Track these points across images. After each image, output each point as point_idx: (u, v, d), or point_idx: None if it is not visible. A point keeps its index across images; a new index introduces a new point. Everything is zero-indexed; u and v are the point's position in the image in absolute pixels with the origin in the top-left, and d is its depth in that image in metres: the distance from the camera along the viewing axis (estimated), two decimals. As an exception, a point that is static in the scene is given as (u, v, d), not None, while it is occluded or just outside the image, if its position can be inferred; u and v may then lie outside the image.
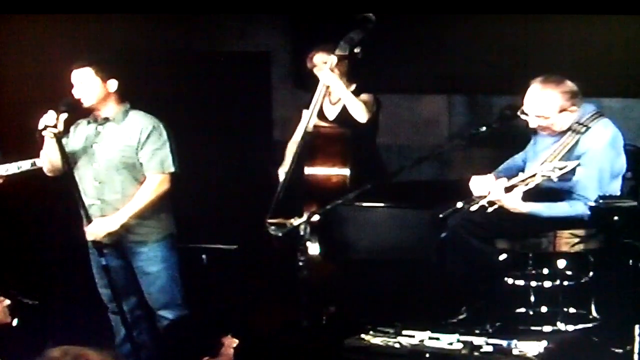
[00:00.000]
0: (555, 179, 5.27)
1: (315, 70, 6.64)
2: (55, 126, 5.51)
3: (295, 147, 6.57)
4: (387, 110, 6.78)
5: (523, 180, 5.36)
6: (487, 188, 5.47)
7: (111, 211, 5.67)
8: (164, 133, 5.70)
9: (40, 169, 5.80)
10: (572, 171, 5.33)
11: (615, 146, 5.56)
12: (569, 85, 5.55)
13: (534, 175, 5.33)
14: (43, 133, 5.54)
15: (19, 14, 6.94)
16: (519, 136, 5.84)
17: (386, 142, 6.86)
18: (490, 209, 5.38)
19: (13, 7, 6.74)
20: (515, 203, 5.35)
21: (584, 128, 5.51)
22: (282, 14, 8.25)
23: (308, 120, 6.50)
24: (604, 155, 5.49)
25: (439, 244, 5.71)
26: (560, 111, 5.51)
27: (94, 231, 5.62)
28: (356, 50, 6.45)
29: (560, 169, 5.26)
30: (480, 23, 7.43)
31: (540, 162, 5.51)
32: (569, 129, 5.54)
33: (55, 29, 7.35)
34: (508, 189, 5.33)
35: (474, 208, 5.41)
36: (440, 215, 5.50)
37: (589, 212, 5.44)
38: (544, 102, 5.52)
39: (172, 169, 5.70)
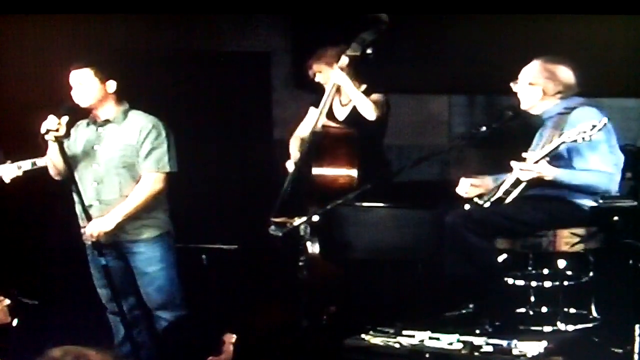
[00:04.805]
0: (582, 141, 5.31)
1: (318, 77, 6.64)
2: (57, 130, 5.51)
3: (300, 143, 6.57)
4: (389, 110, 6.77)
5: (549, 153, 5.40)
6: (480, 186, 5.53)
7: (110, 211, 5.67)
8: (163, 132, 5.71)
9: (41, 169, 5.81)
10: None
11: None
12: (564, 74, 5.59)
13: (560, 144, 5.36)
14: (46, 137, 5.54)
15: (19, 14, 6.94)
16: (519, 136, 5.84)
17: (386, 142, 6.84)
18: (515, 191, 5.43)
19: (13, 7, 6.74)
20: (546, 170, 5.42)
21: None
22: (282, 14, 8.25)
23: (317, 120, 6.50)
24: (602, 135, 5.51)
25: (438, 242, 5.72)
26: (542, 88, 5.56)
27: (91, 231, 5.62)
28: (368, 50, 6.45)
29: (591, 129, 5.29)
30: (481, 23, 7.42)
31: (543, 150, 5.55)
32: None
33: (55, 29, 7.35)
34: (536, 163, 5.45)
35: (500, 192, 5.49)
36: (467, 207, 5.54)
37: (614, 185, 5.52)
38: (532, 69, 5.63)
39: (168, 169, 5.70)
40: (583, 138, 5.31)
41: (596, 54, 7.22)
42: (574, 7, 6.75)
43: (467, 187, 5.75)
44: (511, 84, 5.69)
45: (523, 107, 5.69)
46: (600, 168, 5.48)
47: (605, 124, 5.32)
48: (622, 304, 5.48)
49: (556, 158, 5.49)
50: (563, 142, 5.39)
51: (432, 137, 8.07)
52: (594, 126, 5.30)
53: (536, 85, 5.63)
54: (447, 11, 7.23)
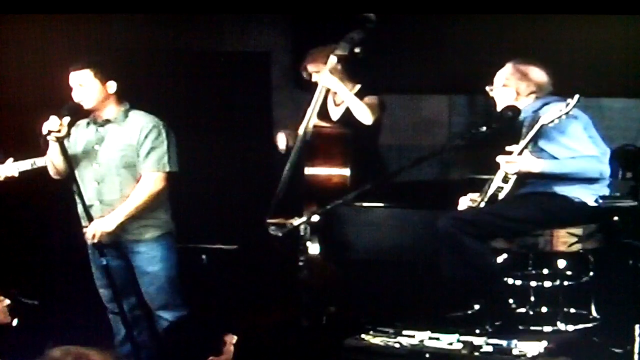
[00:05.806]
0: (558, 121, 5.33)
1: (315, 77, 6.62)
2: (59, 131, 5.51)
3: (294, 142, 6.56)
4: (387, 110, 6.77)
5: (530, 140, 5.40)
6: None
7: (110, 211, 5.67)
8: (164, 132, 5.71)
9: (41, 168, 5.81)
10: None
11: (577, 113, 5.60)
12: (536, 74, 5.60)
13: (539, 130, 5.37)
14: (48, 138, 5.53)
15: (19, 14, 6.94)
16: (519, 136, 5.84)
17: (386, 142, 6.85)
18: (506, 187, 5.46)
19: (13, 7, 6.74)
20: (532, 163, 5.43)
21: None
22: (282, 14, 8.25)
23: (307, 120, 6.49)
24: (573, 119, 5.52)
25: (434, 244, 5.73)
26: (514, 89, 5.60)
27: (93, 232, 5.62)
28: (356, 50, 6.42)
29: (565, 106, 5.31)
30: (481, 23, 7.43)
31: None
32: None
33: (55, 29, 7.34)
34: (519, 154, 5.47)
35: (491, 190, 5.54)
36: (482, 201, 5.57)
37: (605, 167, 5.50)
38: (504, 72, 5.68)
39: (168, 169, 5.70)
40: (559, 117, 5.35)
41: (596, 54, 7.22)
42: (574, 7, 6.75)
43: (467, 202, 5.77)
44: (486, 88, 5.72)
45: (498, 108, 5.71)
46: (584, 153, 5.48)
47: (578, 99, 5.33)
48: (622, 304, 5.48)
49: (540, 152, 5.49)
50: (542, 126, 5.41)
51: (432, 137, 8.06)
52: (567, 104, 5.33)
53: (509, 87, 5.67)
54: (447, 11, 7.23)
